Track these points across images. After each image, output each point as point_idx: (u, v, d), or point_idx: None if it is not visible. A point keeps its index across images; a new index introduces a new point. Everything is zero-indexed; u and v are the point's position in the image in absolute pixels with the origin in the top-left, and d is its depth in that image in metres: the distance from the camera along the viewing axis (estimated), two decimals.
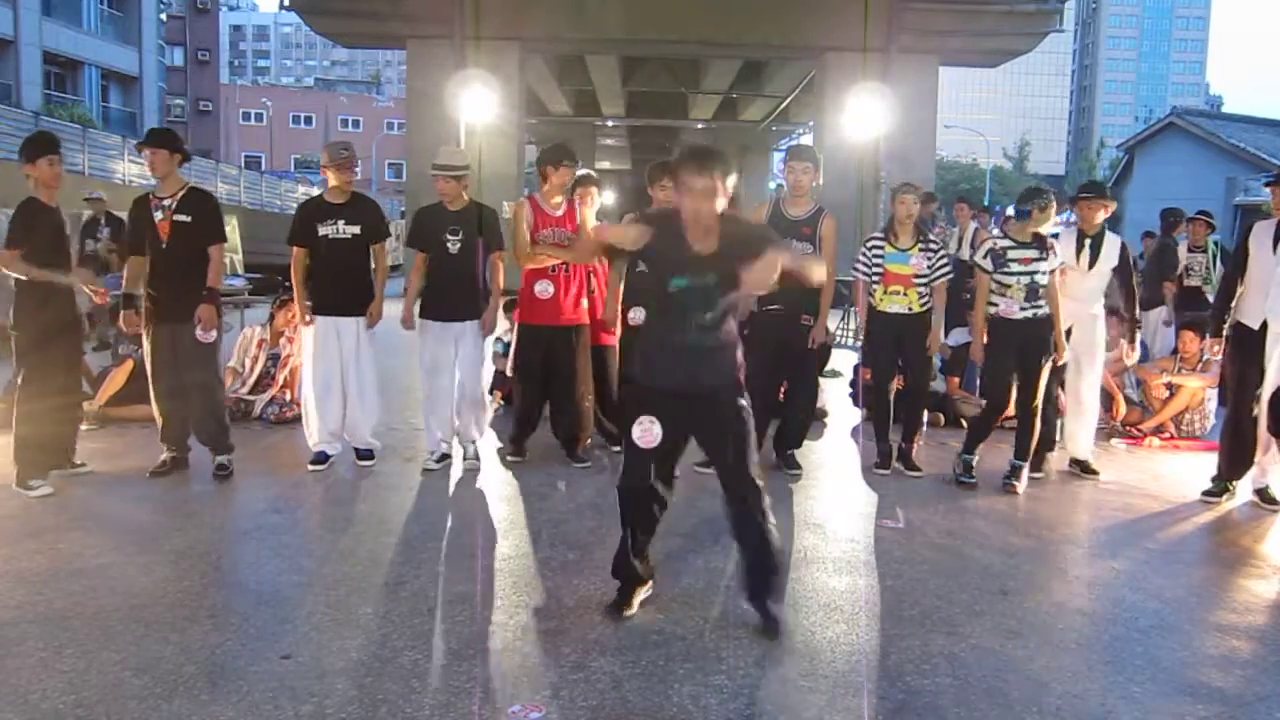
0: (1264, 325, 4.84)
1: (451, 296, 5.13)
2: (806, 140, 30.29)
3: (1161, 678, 2.98)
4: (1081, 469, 5.54)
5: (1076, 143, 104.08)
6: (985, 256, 5.18)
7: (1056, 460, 5.64)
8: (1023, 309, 5.06)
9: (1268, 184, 5.13)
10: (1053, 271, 5.10)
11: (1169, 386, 6.58)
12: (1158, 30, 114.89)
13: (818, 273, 3.25)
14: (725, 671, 2.93)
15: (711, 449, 3.31)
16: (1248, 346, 4.90)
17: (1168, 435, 6.53)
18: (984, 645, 3.17)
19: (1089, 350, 5.44)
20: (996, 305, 5.13)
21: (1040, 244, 5.11)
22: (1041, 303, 5.07)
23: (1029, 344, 5.09)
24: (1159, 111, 49.33)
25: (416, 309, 5.29)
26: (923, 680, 2.91)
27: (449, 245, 5.10)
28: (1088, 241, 5.34)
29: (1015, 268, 5.07)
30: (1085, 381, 5.49)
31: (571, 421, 5.42)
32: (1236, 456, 5.00)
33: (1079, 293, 5.33)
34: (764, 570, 3.25)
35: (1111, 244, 5.33)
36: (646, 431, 3.16)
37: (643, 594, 3.40)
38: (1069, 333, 5.30)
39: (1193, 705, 2.82)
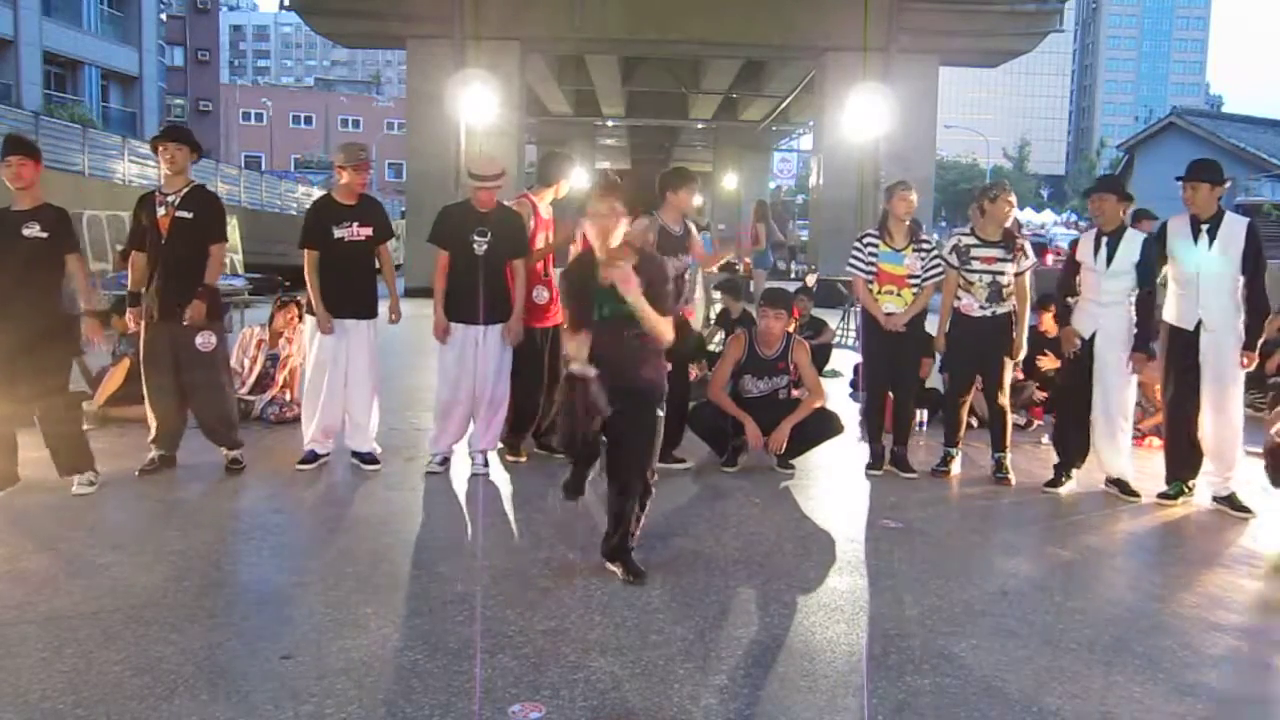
0: (1198, 325, 4.80)
1: (476, 299, 5.00)
2: (806, 140, 30.32)
3: (1161, 678, 2.98)
4: (1120, 490, 5.03)
5: (1076, 143, 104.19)
6: (950, 253, 5.29)
7: (1082, 477, 5.28)
8: (983, 307, 5.19)
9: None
10: (1020, 274, 5.20)
11: None
12: (1158, 30, 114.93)
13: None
14: (725, 671, 2.93)
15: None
16: (1182, 348, 4.87)
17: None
18: (984, 645, 3.17)
19: (1116, 360, 4.96)
20: (960, 300, 5.24)
21: (1007, 245, 5.20)
22: (1005, 303, 5.19)
23: (986, 342, 5.22)
24: (1159, 111, 49.25)
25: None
26: (923, 680, 2.91)
27: (475, 246, 4.99)
28: (1104, 239, 4.97)
29: (977, 265, 5.19)
30: (1112, 394, 4.98)
31: (541, 412, 5.46)
32: (1182, 457, 4.96)
33: (1100, 295, 4.98)
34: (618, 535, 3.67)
35: (1131, 240, 4.95)
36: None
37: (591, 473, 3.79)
38: (1092, 339, 4.99)
39: (1193, 705, 2.82)
